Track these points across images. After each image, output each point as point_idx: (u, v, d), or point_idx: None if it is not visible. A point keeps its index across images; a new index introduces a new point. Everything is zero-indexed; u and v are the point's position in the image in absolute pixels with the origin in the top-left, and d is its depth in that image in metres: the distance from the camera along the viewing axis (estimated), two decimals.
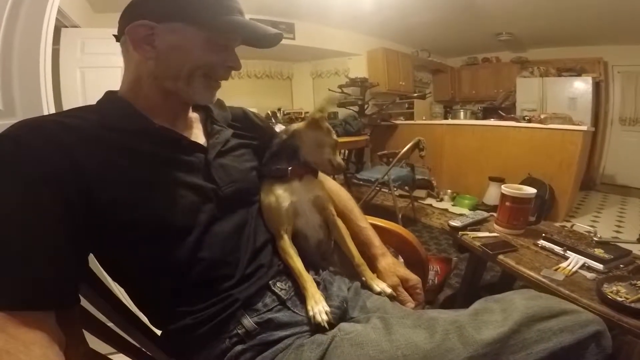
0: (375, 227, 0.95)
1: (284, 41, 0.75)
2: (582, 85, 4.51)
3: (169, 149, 0.65)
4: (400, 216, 3.14)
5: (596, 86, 4.52)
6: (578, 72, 4.62)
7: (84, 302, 0.65)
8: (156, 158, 0.63)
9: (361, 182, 3.36)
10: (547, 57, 5.19)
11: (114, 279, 0.66)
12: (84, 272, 0.60)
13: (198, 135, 0.74)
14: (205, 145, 0.72)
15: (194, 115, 0.77)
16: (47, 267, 0.48)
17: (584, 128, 3.26)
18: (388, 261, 0.87)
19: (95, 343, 0.64)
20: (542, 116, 3.49)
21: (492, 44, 5.31)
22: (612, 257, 1.04)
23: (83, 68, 2.49)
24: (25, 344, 0.44)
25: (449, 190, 4.18)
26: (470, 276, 1.50)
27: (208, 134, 0.75)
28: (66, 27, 2.48)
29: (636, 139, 4.64)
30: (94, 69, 2.44)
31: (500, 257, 1.15)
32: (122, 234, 0.58)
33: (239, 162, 0.76)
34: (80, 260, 0.56)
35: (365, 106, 4.91)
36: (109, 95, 0.68)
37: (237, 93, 4.68)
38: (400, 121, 5.15)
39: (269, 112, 4.37)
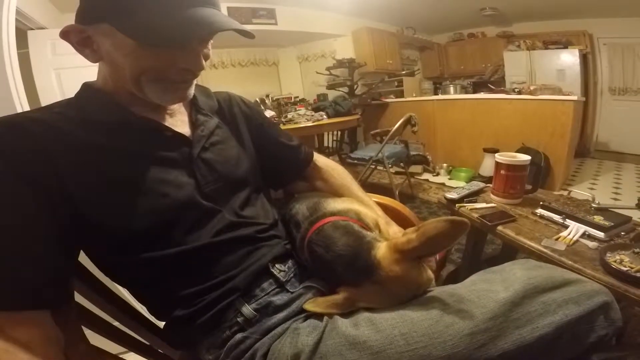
0: None
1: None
2: (569, 57, 4.54)
3: (151, 142, 0.62)
4: (397, 193, 3.13)
5: (583, 58, 4.56)
6: (564, 45, 4.63)
7: (84, 302, 0.66)
8: (138, 154, 0.60)
9: (356, 161, 3.32)
10: (532, 31, 5.18)
11: (107, 274, 0.65)
12: (72, 271, 0.59)
13: (183, 124, 0.71)
14: (189, 136, 0.69)
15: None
16: (34, 267, 0.48)
17: (575, 98, 3.25)
18: (394, 229, 0.84)
19: (102, 343, 0.64)
20: (532, 88, 3.47)
21: (477, 19, 5.26)
22: (613, 224, 1.02)
23: (58, 69, 2.41)
24: (24, 343, 0.45)
25: (445, 164, 4.17)
26: (471, 250, 1.48)
27: (193, 124, 0.71)
28: (32, 29, 2.39)
29: (626, 107, 4.67)
30: (70, 69, 2.34)
31: (499, 228, 1.13)
32: (108, 232, 0.56)
33: (224, 156, 0.72)
34: (68, 259, 0.56)
35: (355, 86, 4.86)
36: (87, 88, 0.64)
37: (223, 82, 4.61)
38: (390, 99, 5.10)
39: (257, 99, 4.30)
